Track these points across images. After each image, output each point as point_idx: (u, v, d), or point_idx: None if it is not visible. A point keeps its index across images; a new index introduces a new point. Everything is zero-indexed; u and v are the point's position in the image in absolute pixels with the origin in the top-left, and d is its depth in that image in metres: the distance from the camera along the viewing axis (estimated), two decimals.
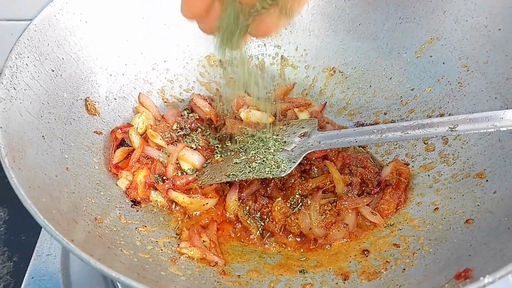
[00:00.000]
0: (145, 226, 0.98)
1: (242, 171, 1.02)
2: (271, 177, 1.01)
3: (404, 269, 0.88)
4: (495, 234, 0.83)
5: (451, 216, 0.96)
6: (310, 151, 1.05)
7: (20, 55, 0.94)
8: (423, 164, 1.10)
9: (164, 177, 1.06)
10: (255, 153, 1.04)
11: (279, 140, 1.08)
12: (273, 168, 1.01)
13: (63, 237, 0.69)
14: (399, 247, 0.95)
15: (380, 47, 1.26)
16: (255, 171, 1.02)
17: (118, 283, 1.04)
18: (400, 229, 1.00)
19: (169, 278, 0.85)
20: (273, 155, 1.04)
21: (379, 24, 1.26)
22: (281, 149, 1.05)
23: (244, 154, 1.05)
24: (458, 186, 1.01)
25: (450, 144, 1.09)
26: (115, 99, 1.16)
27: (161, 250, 0.93)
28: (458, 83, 1.13)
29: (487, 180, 0.97)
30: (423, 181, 1.07)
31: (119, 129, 1.10)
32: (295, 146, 1.06)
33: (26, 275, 1.04)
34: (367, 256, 0.96)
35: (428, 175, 1.07)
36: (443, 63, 1.17)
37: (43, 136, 0.92)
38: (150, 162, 1.09)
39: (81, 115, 1.06)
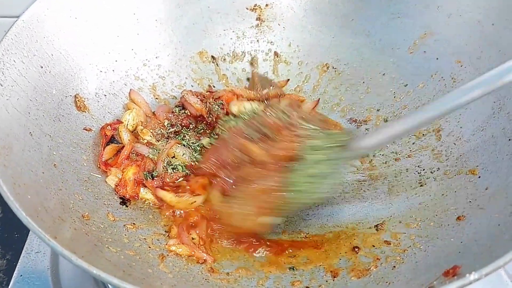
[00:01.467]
0: (134, 224, 0.97)
1: (292, 203, 0.94)
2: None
3: (394, 267, 0.88)
4: (486, 230, 0.82)
5: (443, 213, 0.95)
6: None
7: (7, 52, 0.93)
8: (416, 162, 1.09)
9: (154, 174, 1.05)
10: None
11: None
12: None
13: (45, 234, 0.68)
14: (390, 244, 0.94)
15: (373, 42, 1.26)
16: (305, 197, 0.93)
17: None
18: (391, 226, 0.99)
19: (156, 275, 0.84)
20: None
21: (372, 19, 1.25)
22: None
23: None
24: (451, 182, 1.00)
25: (443, 140, 1.08)
26: (105, 95, 1.15)
27: (149, 247, 0.92)
28: (452, 78, 1.12)
29: (479, 177, 0.96)
30: (415, 178, 1.06)
31: (109, 126, 1.09)
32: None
33: (15, 272, 1.03)
34: (357, 253, 0.95)
35: (419, 172, 1.06)
36: (437, 59, 1.16)
37: (30, 133, 0.92)
38: (140, 159, 1.08)
39: (70, 112, 1.05)
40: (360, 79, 1.26)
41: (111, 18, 1.16)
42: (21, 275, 1.02)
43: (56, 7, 1.05)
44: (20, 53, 0.96)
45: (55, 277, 1.03)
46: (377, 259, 0.91)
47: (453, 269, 0.72)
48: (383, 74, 1.23)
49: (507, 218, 0.80)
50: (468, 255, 0.78)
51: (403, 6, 1.21)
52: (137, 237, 0.93)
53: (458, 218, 0.90)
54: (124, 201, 1.01)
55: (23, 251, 1.08)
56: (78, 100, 1.07)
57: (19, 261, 1.06)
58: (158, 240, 0.95)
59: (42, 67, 1.01)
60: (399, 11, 1.21)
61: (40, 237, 0.68)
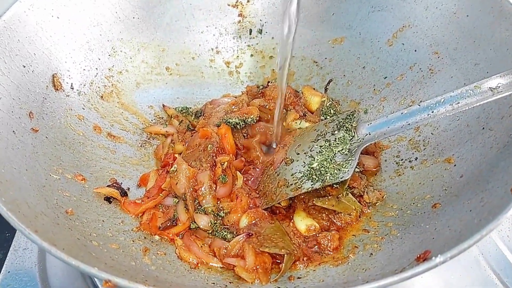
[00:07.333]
0: (118, 218, 0.99)
1: (303, 183, 0.99)
2: (334, 182, 0.97)
3: (372, 254, 0.90)
4: (458, 216, 0.84)
5: (420, 202, 0.97)
6: (366, 145, 1.01)
7: None
8: (394, 152, 1.11)
9: None
10: (309, 162, 1.02)
11: (326, 142, 1.05)
12: (334, 172, 0.98)
13: (25, 228, 0.70)
14: (369, 232, 0.96)
15: (353, 36, 1.27)
16: (317, 180, 0.98)
17: (95, 278, 1.05)
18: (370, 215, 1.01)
19: (139, 268, 0.86)
20: (329, 159, 1.01)
21: (352, 13, 1.27)
22: (333, 151, 1.02)
23: (297, 162, 1.04)
24: (428, 171, 1.02)
25: (421, 130, 1.10)
26: (89, 93, 1.16)
27: (133, 241, 0.94)
28: (429, 70, 1.14)
29: (455, 165, 0.98)
30: (393, 169, 1.08)
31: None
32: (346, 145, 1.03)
33: (3, 269, 1.05)
34: None
35: (397, 163, 1.08)
36: (415, 51, 1.18)
37: (13, 131, 0.93)
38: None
39: (54, 110, 1.06)
40: (341, 73, 1.28)
41: (93, 17, 1.17)
42: (9, 272, 1.04)
43: (37, 7, 1.06)
44: (2, 53, 0.97)
45: (43, 273, 1.04)
46: (356, 247, 0.93)
47: (424, 253, 0.75)
48: (363, 67, 1.25)
49: (478, 204, 0.82)
50: (440, 240, 0.80)
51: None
52: (121, 231, 0.95)
53: (434, 205, 0.93)
54: (108, 199, 1.03)
55: (11, 248, 1.09)
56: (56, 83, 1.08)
57: (7, 257, 1.07)
58: (141, 233, 0.97)
59: (24, 66, 1.02)
60: (378, 4, 1.23)
61: (20, 230, 0.70)
